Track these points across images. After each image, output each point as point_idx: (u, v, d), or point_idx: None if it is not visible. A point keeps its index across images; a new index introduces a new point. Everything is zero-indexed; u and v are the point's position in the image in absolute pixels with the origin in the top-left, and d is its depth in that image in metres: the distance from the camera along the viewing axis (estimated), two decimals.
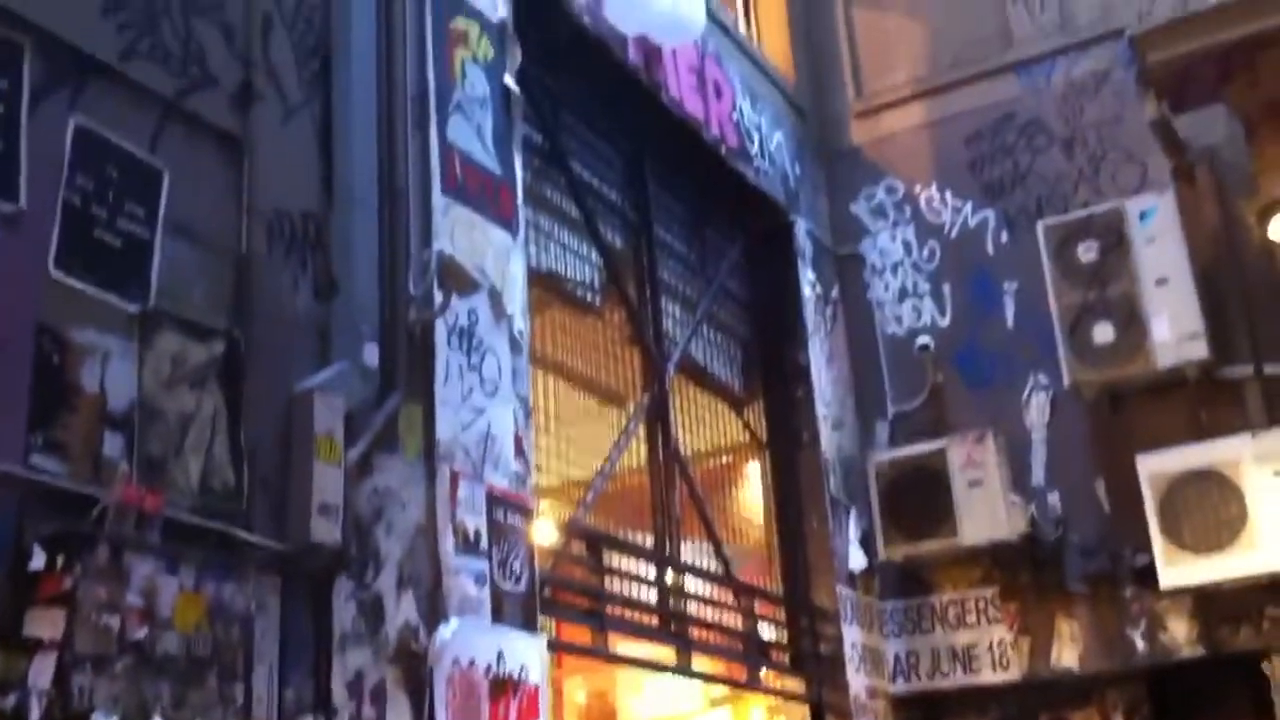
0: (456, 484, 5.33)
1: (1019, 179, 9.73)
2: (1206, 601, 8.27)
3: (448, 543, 5.20)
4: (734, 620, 8.26)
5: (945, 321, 9.73)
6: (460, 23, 6.21)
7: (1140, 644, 8.52)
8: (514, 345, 5.98)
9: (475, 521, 5.39)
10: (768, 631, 8.63)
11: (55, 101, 4.19)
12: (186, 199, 4.56)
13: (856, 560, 9.05)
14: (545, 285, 7.05)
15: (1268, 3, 7.89)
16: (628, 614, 7.22)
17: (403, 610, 4.93)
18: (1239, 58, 7.92)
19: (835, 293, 9.97)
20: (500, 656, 5.27)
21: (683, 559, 7.83)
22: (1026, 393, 9.26)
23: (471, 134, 6.08)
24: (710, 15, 8.41)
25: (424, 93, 5.78)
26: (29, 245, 3.99)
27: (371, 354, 5.14)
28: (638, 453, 7.83)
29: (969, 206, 9.86)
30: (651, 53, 7.95)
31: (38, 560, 3.65)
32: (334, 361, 4.97)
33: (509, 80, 6.45)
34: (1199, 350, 8.37)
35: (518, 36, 6.61)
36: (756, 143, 9.26)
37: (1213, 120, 8.71)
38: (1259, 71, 7.98)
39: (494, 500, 5.54)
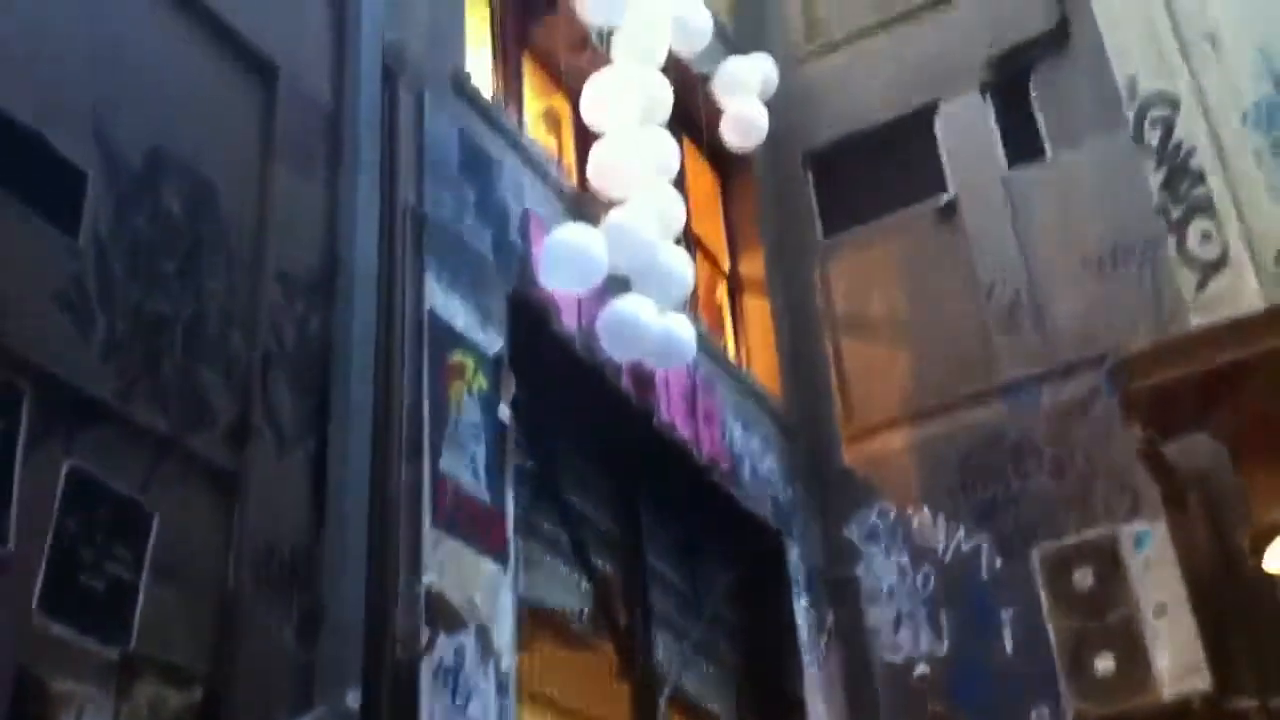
0: None
1: (1010, 502, 9.72)
2: None
3: None
4: None
5: (943, 649, 9.53)
6: (457, 356, 6.32)
7: None
8: (500, 686, 5.82)
9: None
10: None
11: (51, 443, 4.20)
12: (175, 539, 4.51)
13: None
14: (535, 618, 6.92)
15: (1247, 330, 8.08)
16: None
17: None
18: (1221, 384, 8.04)
19: (830, 620, 9.79)
20: None
21: None
22: None
23: (464, 465, 6.10)
24: (701, 341, 8.57)
25: (419, 424, 5.82)
26: (14, 589, 3.92)
27: (354, 698, 4.98)
28: None
29: (962, 530, 9.82)
30: (644, 379, 8.07)
31: None
32: (316, 704, 4.80)
33: (503, 411, 6.51)
34: (1202, 682, 8.18)
35: (512, 367, 6.71)
36: (748, 467, 9.30)
37: (1201, 444, 8.76)
38: (1242, 398, 8.08)
39: None
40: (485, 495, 6.17)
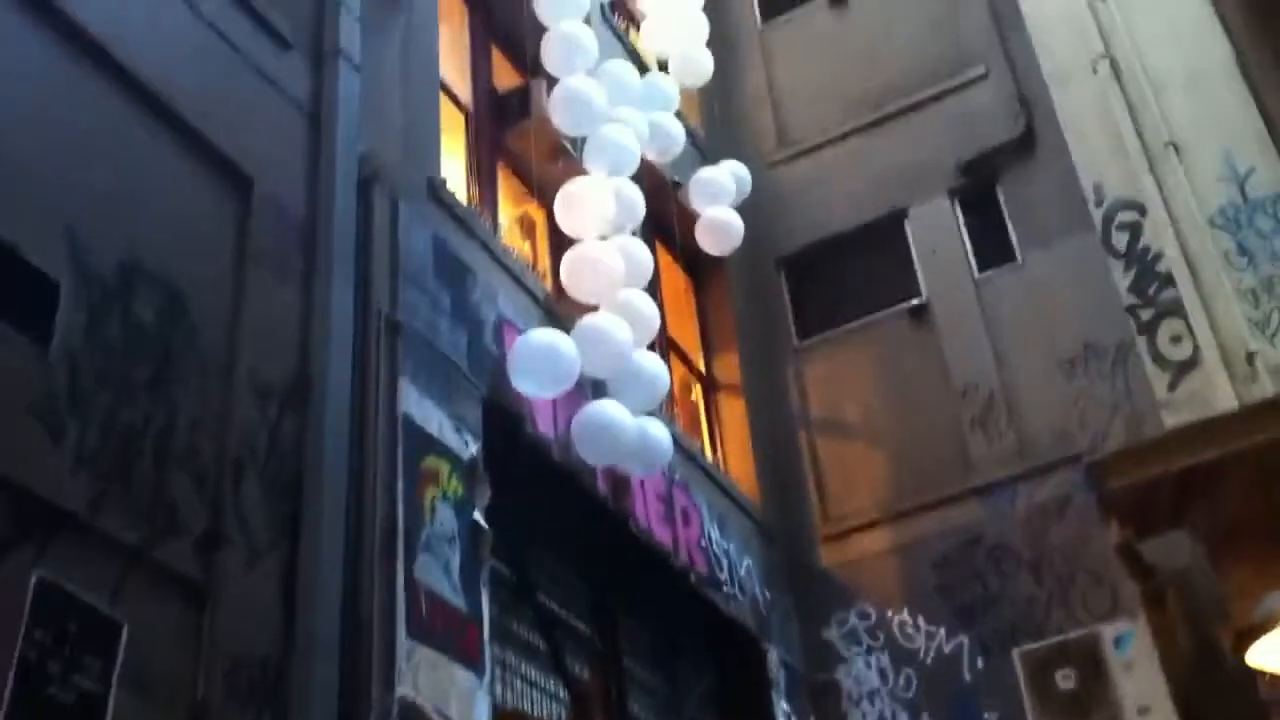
0: None
1: (990, 603, 9.68)
2: None
3: None
4: None
5: None
6: (431, 462, 6.30)
7: None
8: None
9: None
10: None
11: (20, 554, 4.16)
12: (145, 650, 4.45)
13: None
14: None
15: (1220, 429, 8.13)
16: None
17: None
18: (1196, 483, 8.07)
19: None
20: None
21: None
22: None
23: (440, 572, 6.05)
24: (677, 443, 8.59)
25: (393, 533, 5.78)
26: None
27: None
28: None
29: (942, 632, 9.76)
30: (620, 482, 8.06)
31: None
32: None
33: (478, 517, 6.48)
34: None
35: (487, 473, 6.69)
36: (726, 569, 9.25)
37: (1179, 542, 8.76)
38: (1217, 497, 8.10)
39: None
40: (461, 602, 6.11)
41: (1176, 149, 9.96)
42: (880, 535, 10.39)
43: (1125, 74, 10.42)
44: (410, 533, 5.88)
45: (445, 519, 6.23)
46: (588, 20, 9.19)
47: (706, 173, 10.44)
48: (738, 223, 10.28)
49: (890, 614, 10.00)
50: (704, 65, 11.03)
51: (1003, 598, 9.67)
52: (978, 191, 11.23)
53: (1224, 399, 8.92)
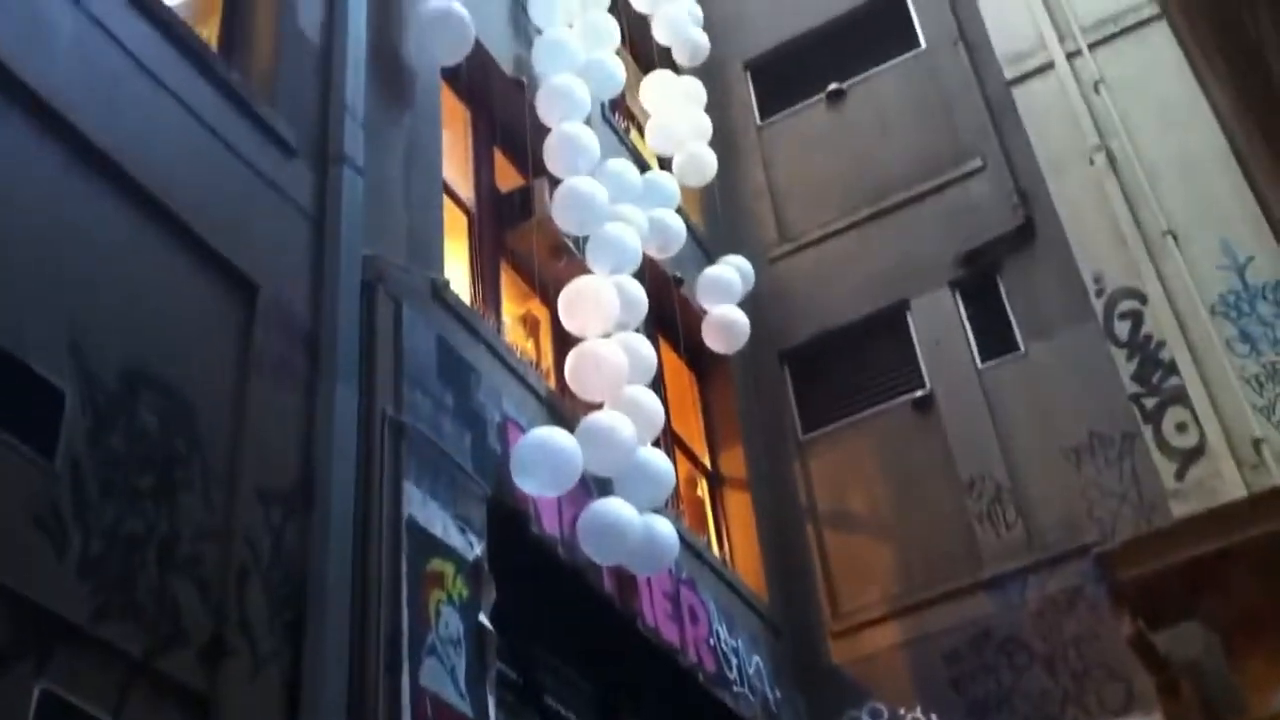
0: None
1: (1004, 698, 9.55)
2: None
3: None
4: None
5: None
6: (436, 564, 6.26)
7: None
8: None
9: None
10: None
11: (22, 667, 4.12)
12: None
13: None
14: None
15: (1230, 518, 8.11)
16: None
17: None
18: (1208, 573, 8.02)
19: None
20: None
21: None
22: None
23: (445, 676, 5.98)
24: (683, 540, 8.54)
25: (397, 638, 5.72)
26: None
27: None
28: None
29: None
30: (626, 581, 8.00)
31: None
32: None
33: (484, 619, 6.42)
34: None
35: (492, 573, 6.65)
36: (735, 667, 9.14)
37: (1192, 633, 8.68)
38: (1228, 585, 8.05)
39: None
40: (467, 708, 6.03)
41: (1175, 237, 10.05)
42: (890, 630, 10.29)
43: (1121, 164, 10.56)
44: (415, 638, 5.82)
45: (450, 622, 6.17)
46: (589, 121, 9.31)
47: (713, 271, 10.53)
48: (744, 321, 10.36)
49: (903, 711, 9.86)
50: (708, 164, 11.17)
51: (1016, 693, 9.54)
52: (978, 282, 11.28)
53: (1232, 487, 8.91)
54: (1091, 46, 11.22)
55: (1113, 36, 11.18)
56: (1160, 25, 10.86)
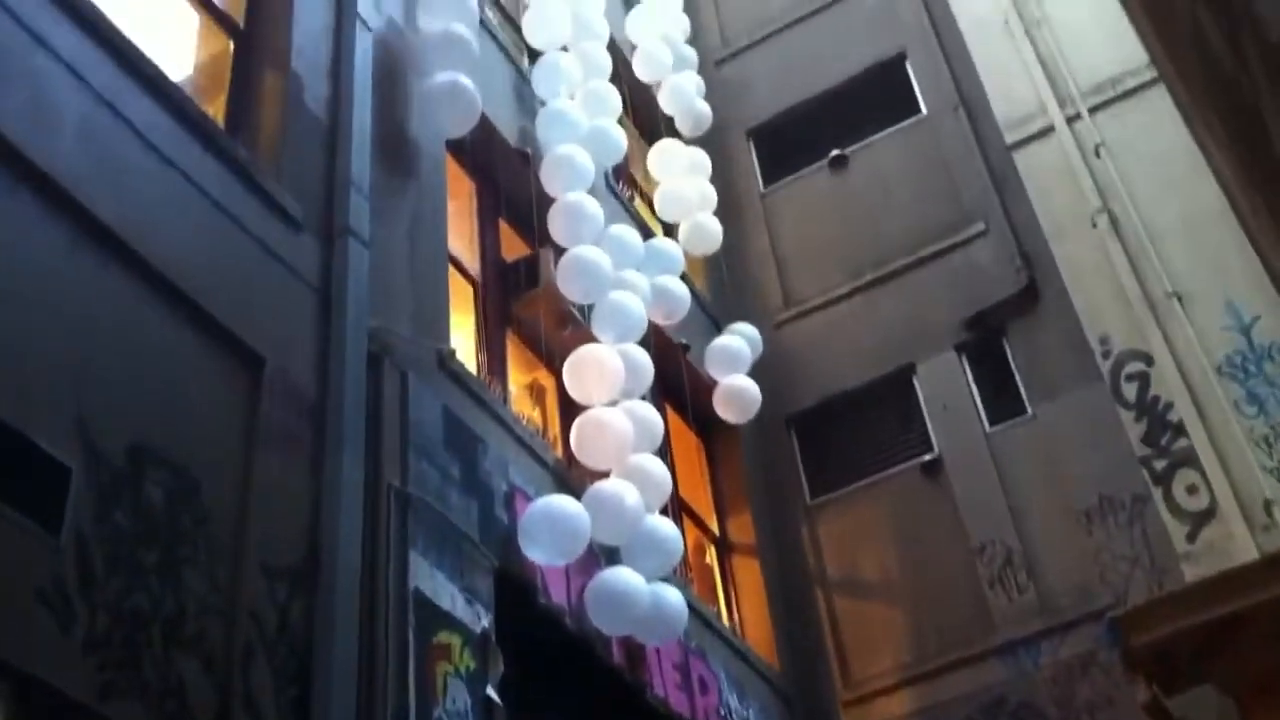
0: None
1: None
2: None
3: None
4: None
5: None
6: (443, 637, 6.21)
7: None
8: None
9: None
10: None
11: None
12: None
13: None
14: None
15: (1243, 581, 8.02)
16: None
17: None
18: (1221, 636, 7.93)
19: None
20: None
21: None
22: None
23: None
24: (692, 608, 8.48)
25: (403, 713, 5.67)
26: None
27: None
28: None
29: None
30: (635, 651, 7.94)
31: None
32: None
33: (491, 692, 6.36)
34: None
35: (499, 645, 6.59)
36: None
37: (1207, 697, 8.58)
38: (1242, 649, 7.95)
39: None
40: None
41: (1180, 298, 10.05)
42: (903, 698, 10.18)
43: (1124, 226, 10.58)
44: (422, 712, 5.77)
45: (457, 696, 6.12)
46: (592, 190, 9.37)
47: (722, 341, 10.57)
48: (755, 391, 10.39)
49: None
50: (714, 234, 11.26)
51: None
52: (984, 346, 11.28)
53: (1243, 549, 8.84)
54: (1091, 110, 11.28)
55: (1112, 100, 11.25)
56: (1159, 88, 10.91)
